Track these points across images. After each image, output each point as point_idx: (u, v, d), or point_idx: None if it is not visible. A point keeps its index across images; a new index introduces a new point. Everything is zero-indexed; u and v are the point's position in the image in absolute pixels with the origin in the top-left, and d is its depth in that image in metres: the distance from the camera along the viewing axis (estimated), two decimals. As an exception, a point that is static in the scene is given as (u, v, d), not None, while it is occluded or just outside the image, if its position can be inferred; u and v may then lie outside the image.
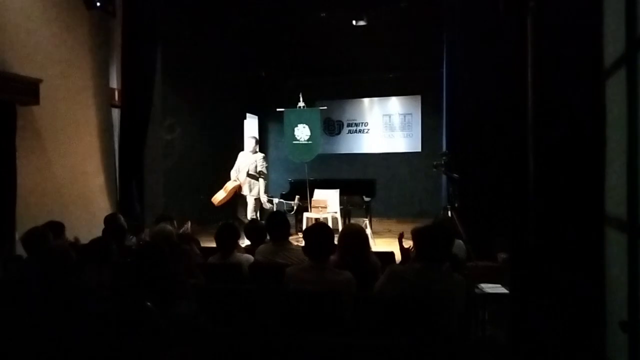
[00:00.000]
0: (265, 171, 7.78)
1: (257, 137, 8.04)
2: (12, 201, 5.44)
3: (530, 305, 2.64)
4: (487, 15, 5.40)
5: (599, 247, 2.34)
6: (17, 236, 5.26)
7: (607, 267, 2.32)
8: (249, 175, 7.65)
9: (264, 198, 7.75)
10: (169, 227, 4.29)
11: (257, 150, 7.85)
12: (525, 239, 2.71)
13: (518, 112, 2.76)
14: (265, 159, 7.89)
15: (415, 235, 2.97)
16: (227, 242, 3.79)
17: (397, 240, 3.67)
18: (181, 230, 5.38)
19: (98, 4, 6.74)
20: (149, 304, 2.20)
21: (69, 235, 4.51)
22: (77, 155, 6.68)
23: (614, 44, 2.25)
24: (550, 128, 2.55)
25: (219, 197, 7.59)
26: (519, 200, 2.78)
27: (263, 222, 4.47)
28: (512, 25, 2.91)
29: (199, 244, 5.24)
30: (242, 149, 10.83)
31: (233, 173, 7.74)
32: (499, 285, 4.03)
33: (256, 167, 7.62)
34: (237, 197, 7.91)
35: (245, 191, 7.66)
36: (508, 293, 3.48)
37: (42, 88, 5.74)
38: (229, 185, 7.57)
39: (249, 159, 7.70)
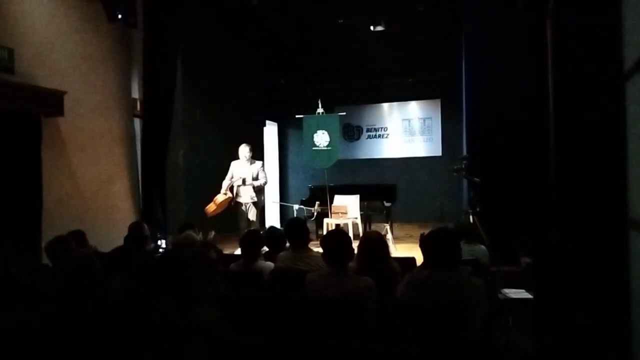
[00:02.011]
0: (267, 182, 7.30)
1: (250, 145, 7.22)
2: (39, 211, 5.56)
3: (555, 310, 2.60)
4: (505, 18, 5.36)
5: (623, 250, 2.30)
6: (43, 246, 5.38)
7: (632, 271, 2.27)
8: (248, 184, 7.04)
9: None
10: (193, 234, 4.34)
11: (252, 158, 7.17)
12: (548, 243, 2.67)
13: (539, 114, 2.73)
14: (263, 168, 7.33)
15: (422, 245, 2.97)
16: (252, 249, 3.81)
17: (417, 245, 3.65)
18: (207, 239, 5.42)
19: (119, 15, 6.87)
20: (170, 310, 2.22)
21: (94, 243, 4.57)
22: (101, 164, 6.81)
23: (633, 45, 2.21)
24: (572, 130, 2.52)
25: (210, 208, 6.99)
26: (541, 203, 2.75)
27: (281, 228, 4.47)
28: (531, 27, 2.88)
29: (221, 252, 5.29)
30: (262, 156, 10.74)
31: (226, 183, 7.07)
32: (523, 290, 3.99)
33: (257, 177, 7.05)
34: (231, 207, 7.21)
35: (245, 199, 7.03)
36: (532, 298, 3.43)
37: (66, 99, 5.88)
38: (219, 198, 6.95)
39: (246, 169, 7.07)
